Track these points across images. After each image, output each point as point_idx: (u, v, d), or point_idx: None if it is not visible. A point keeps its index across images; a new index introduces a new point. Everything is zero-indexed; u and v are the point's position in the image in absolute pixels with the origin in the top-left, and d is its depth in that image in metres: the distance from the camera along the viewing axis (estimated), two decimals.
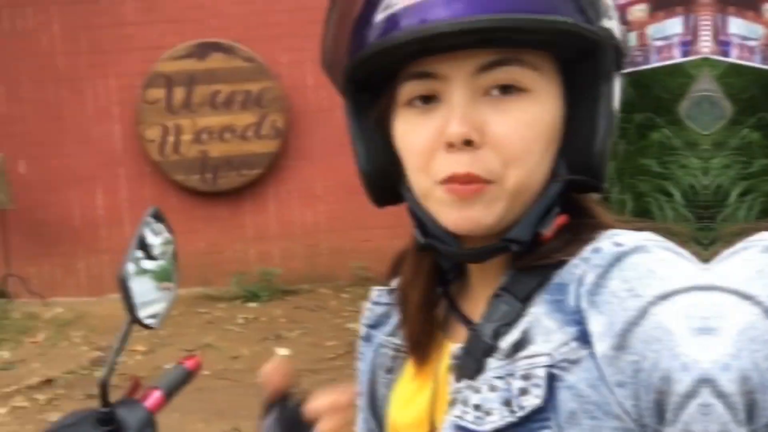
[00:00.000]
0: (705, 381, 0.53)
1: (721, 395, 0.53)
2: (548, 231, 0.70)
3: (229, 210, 6.39)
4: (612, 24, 0.70)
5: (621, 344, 0.58)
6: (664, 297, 0.58)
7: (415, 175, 0.72)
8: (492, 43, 0.66)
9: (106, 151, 6.27)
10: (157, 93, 6.14)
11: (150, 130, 6.14)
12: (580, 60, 0.69)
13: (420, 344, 0.80)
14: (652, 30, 5.01)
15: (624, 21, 5.21)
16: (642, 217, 6.14)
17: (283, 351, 5.04)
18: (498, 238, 0.70)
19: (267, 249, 6.41)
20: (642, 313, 0.58)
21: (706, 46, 4.50)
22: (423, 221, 0.73)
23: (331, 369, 4.69)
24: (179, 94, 6.15)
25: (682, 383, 0.54)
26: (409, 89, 0.70)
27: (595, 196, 0.76)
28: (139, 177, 6.31)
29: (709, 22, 4.45)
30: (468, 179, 0.67)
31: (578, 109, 0.70)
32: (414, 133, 0.70)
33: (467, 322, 0.75)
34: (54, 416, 4.20)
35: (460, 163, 0.67)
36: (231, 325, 5.61)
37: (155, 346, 4.96)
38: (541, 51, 0.68)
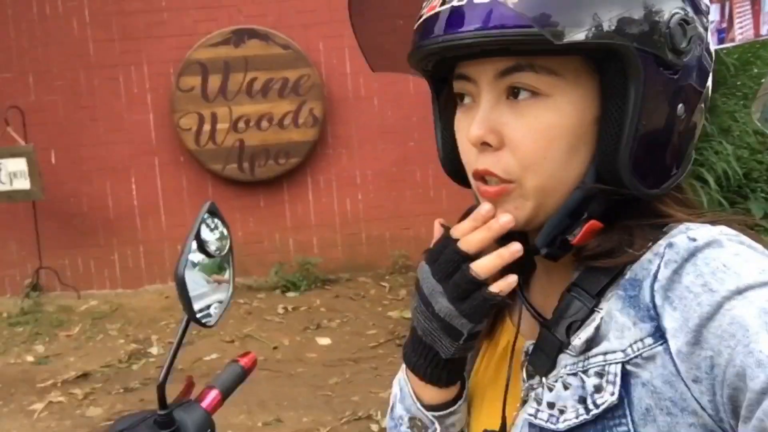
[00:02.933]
0: None
1: None
2: (576, 238, 0.70)
3: (267, 199, 6.29)
4: (641, 9, 0.66)
5: (696, 340, 0.59)
6: (739, 292, 0.58)
7: (466, 169, 0.77)
8: (510, 51, 0.67)
9: (140, 140, 6.16)
10: (192, 81, 6.01)
11: (185, 118, 6.01)
12: (610, 60, 0.67)
13: (492, 333, 0.85)
14: None
15: None
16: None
17: (324, 340, 5.00)
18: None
19: (306, 238, 6.31)
20: (716, 309, 0.58)
21: (741, 33, 4.38)
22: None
23: (373, 357, 4.71)
24: (215, 81, 6.02)
25: (757, 380, 0.54)
26: (456, 87, 0.76)
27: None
28: (175, 166, 6.20)
29: (743, 9, 4.36)
30: (486, 175, 0.71)
31: (608, 116, 0.68)
32: (460, 130, 0.76)
33: (539, 317, 0.76)
34: (92, 411, 4.15)
35: (482, 160, 0.71)
36: (271, 315, 5.55)
37: (195, 337, 4.89)
38: (562, 54, 0.67)
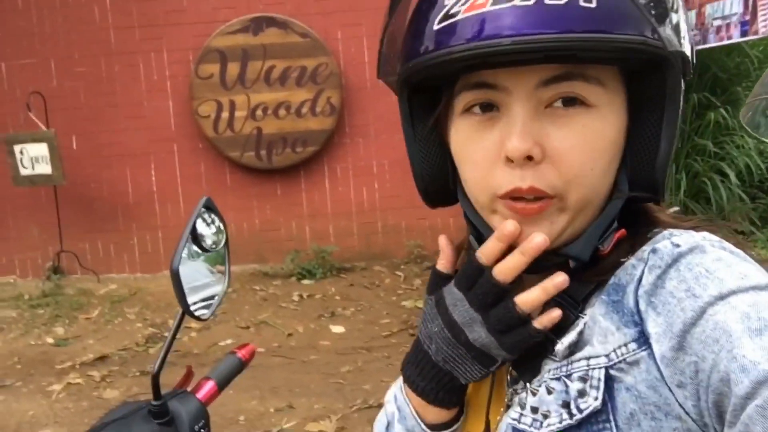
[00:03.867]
0: (764, 382, 0.53)
1: None
2: (607, 247, 0.70)
3: (284, 187, 6.32)
4: (679, 20, 0.66)
5: (680, 345, 0.59)
6: (722, 297, 0.59)
7: (474, 188, 0.71)
8: (558, 58, 0.63)
9: (159, 126, 6.21)
10: (211, 68, 6.05)
11: (204, 105, 6.05)
12: (647, 73, 0.67)
13: None
14: (710, 9, 4.90)
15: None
16: (696, 197, 6.06)
17: (337, 328, 5.02)
18: (554, 249, 0.69)
19: (322, 226, 6.34)
20: (700, 314, 0.59)
21: (764, 26, 4.32)
22: (480, 230, 0.73)
23: (385, 347, 4.72)
24: (233, 69, 6.05)
25: (741, 385, 0.54)
26: (467, 98, 0.69)
27: None
28: (193, 153, 6.25)
29: (766, 1, 4.29)
30: (532, 193, 0.66)
31: (643, 124, 0.68)
32: (473, 144, 0.69)
33: None
34: (109, 393, 4.20)
35: (522, 177, 0.65)
36: (286, 302, 5.57)
37: (210, 323, 4.94)
38: (607, 64, 0.66)
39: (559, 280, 0.67)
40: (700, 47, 5.09)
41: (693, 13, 5.05)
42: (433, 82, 0.72)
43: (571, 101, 0.66)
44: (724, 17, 4.79)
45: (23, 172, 5.76)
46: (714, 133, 6.33)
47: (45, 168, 5.71)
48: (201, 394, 0.93)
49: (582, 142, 0.66)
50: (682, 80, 0.68)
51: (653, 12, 0.64)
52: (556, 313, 0.68)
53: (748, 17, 4.48)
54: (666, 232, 0.68)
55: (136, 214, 6.29)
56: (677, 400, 0.60)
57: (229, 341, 4.82)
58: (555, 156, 0.66)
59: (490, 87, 0.67)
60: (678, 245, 0.64)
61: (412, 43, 0.69)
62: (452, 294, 0.72)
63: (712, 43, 4.94)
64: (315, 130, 6.12)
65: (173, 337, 0.87)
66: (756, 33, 4.39)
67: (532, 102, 0.66)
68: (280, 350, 4.71)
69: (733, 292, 0.59)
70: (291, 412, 3.77)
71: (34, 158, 5.70)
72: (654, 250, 0.65)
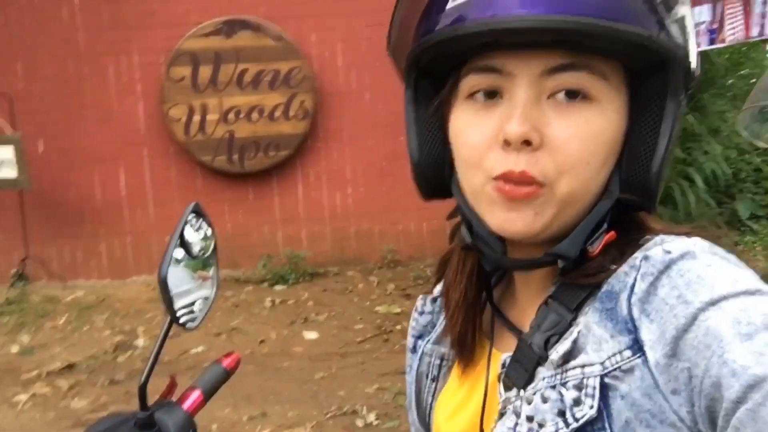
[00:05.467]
0: (754, 386, 0.53)
1: None
2: (596, 248, 0.69)
3: (256, 192, 6.29)
4: (683, 17, 0.68)
5: (673, 352, 0.59)
6: (713, 303, 0.59)
7: (468, 171, 0.71)
8: (563, 45, 0.64)
9: (129, 130, 6.13)
10: (183, 71, 5.99)
11: (175, 109, 5.99)
12: (650, 74, 0.67)
13: (464, 344, 0.81)
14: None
15: None
16: (664, 202, 6.16)
17: (311, 334, 5.01)
18: (543, 247, 0.70)
19: (295, 231, 6.32)
20: (692, 320, 0.59)
21: (731, 34, 4.40)
22: (470, 221, 0.73)
23: (359, 352, 4.74)
24: (205, 72, 6.00)
25: (731, 390, 0.54)
26: (472, 81, 0.69)
27: None
28: (164, 157, 6.19)
29: (734, 10, 4.38)
30: (522, 178, 0.66)
31: (641, 126, 0.69)
32: (472, 127, 0.70)
33: (515, 330, 0.76)
34: (76, 403, 4.15)
35: (516, 161, 0.66)
36: (258, 308, 5.55)
37: (182, 330, 4.82)
38: (612, 60, 0.67)
39: None
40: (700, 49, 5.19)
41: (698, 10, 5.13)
42: (442, 65, 0.72)
43: (574, 95, 0.66)
44: (699, 23, 4.88)
45: None
46: (683, 139, 6.43)
47: (10, 172, 5.60)
48: (187, 405, 0.90)
49: (582, 134, 0.66)
50: (684, 87, 0.69)
51: (662, 12, 0.66)
52: None
53: (716, 25, 4.56)
54: (657, 239, 0.67)
55: (104, 219, 6.20)
56: (672, 408, 0.60)
57: (200, 348, 4.77)
58: (553, 144, 0.66)
59: (496, 72, 0.68)
60: (669, 252, 0.64)
61: (426, 21, 0.70)
62: None
63: None
64: (288, 134, 6.08)
65: (161, 346, 0.85)
66: (723, 41, 4.47)
67: (536, 89, 0.67)
68: (253, 357, 4.68)
69: (724, 298, 0.59)
70: (265, 420, 3.76)
71: None
72: (646, 257, 0.65)
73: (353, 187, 6.31)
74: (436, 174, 0.77)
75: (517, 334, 0.75)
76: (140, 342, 4.99)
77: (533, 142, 0.65)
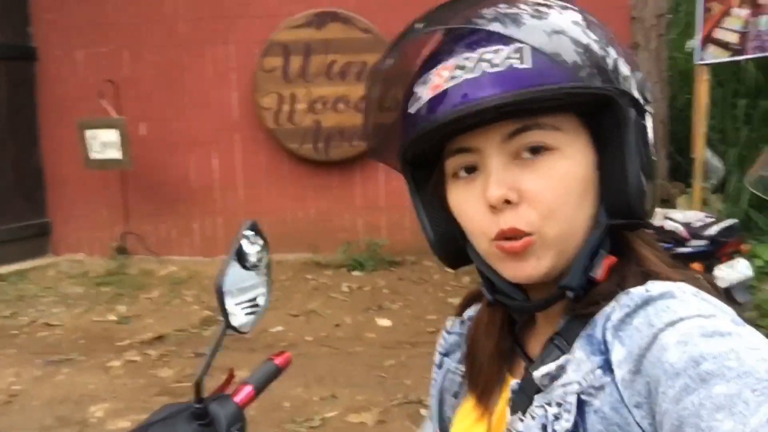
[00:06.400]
0: (672, 376, 0.61)
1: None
2: (599, 273, 0.77)
3: (340, 180, 6.42)
4: (624, 65, 0.76)
5: (636, 368, 0.66)
6: (672, 324, 0.65)
7: (475, 238, 0.80)
8: (512, 114, 0.73)
9: (223, 116, 6.39)
10: (275, 61, 6.19)
11: (266, 97, 6.21)
12: (598, 111, 0.75)
13: (485, 389, 0.88)
14: None
15: (755, 4, 4.93)
16: (760, 208, 5.89)
17: (384, 321, 5.07)
18: (557, 284, 0.77)
19: (375, 219, 6.42)
20: (653, 339, 0.65)
21: None
22: (490, 278, 0.82)
23: (429, 343, 4.55)
24: (296, 62, 6.18)
25: (660, 385, 0.62)
26: (453, 163, 0.80)
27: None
28: (254, 143, 6.41)
29: None
30: (513, 233, 0.75)
31: (608, 155, 0.76)
32: (464, 202, 0.79)
33: (528, 360, 0.84)
34: (164, 372, 4.36)
35: (504, 220, 0.75)
36: (336, 292, 5.66)
37: (236, 333, 5.02)
38: (559, 113, 0.75)
39: None
40: (764, 54, 5.01)
41: (765, 18, 4.96)
42: (427, 156, 0.83)
43: (536, 149, 0.75)
44: None
45: (94, 156, 6.03)
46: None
47: (114, 153, 5.96)
48: (239, 398, 0.97)
49: (551, 182, 0.74)
50: (636, 111, 0.76)
51: (586, 62, 0.73)
52: None
53: None
54: (647, 283, 0.74)
55: (197, 200, 6.50)
56: (635, 420, 0.65)
57: (279, 328, 4.93)
58: (530, 197, 0.74)
59: (466, 151, 0.78)
60: (649, 291, 0.71)
61: (402, 129, 0.81)
62: None
63: None
64: None
65: (215, 349, 0.92)
66: None
67: (503, 155, 0.76)
68: (328, 340, 4.79)
69: (681, 319, 0.65)
70: (334, 402, 3.84)
71: (104, 143, 5.96)
72: (627, 292, 0.72)
73: None
74: (451, 246, 0.86)
75: (528, 363, 0.83)
76: None
77: (512, 200, 0.74)
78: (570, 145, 0.76)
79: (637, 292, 0.71)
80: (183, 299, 5.63)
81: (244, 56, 6.28)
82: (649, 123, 0.79)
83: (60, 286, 5.96)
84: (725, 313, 0.68)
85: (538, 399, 0.76)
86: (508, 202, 0.74)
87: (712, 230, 3.55)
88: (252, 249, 0.97)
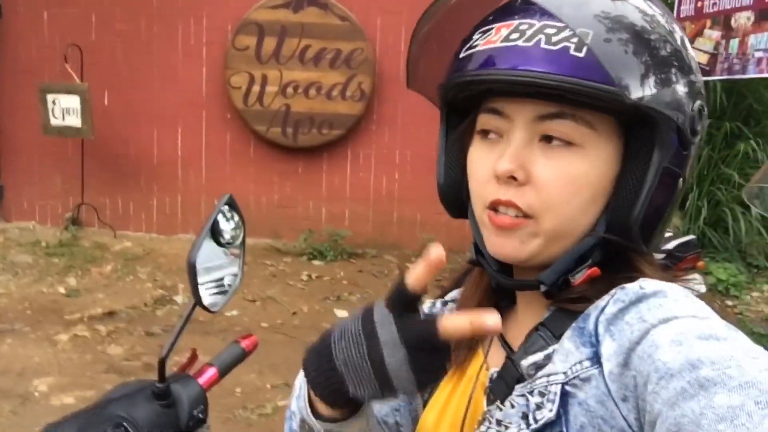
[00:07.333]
0: (666, 377, 0.60)
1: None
2: (578, 280, 0.77)
3: (306, 167, 6.37)
4: (683, 90, 0.74)
5: (625, 362, 0.65)
6: (665, 321, 0.65)
7: (474, 199, 0.81)
8: (554, 97, 0.72)
9: (190, 91, 6.26)
10: (248, 40, 6.08)
11: (236, 76, 6.10)
12: (640, 126, 0.74)
13: (461, 348, 0.88)
14: (753, 40, 4.86)
15: (727, 26, 5.01)
16: (715, 225, 6.03)
17: (341, 312, 5.07)
18: (539, 272, 0.78)
19: (338, 210, 6.39)
20: (644, 334, 0.65)
21: None
22: (476, 240, 0.82)
23: None
24: (269, 44, 6.09)
25: (652, 383, 0.61)
26: (482, 120, 0.79)
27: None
28: (221, 122, 6.30)
29: None
30: (509, 205, 0.75)
31: (629, 173, 0.75)
32: (479, 162, 0.79)
33: (508, 349, 0.83)
34: (113, 349, 4.29)
35: (504, 192, 0.75)
36: (294, 280, 5.64)
37: (205, 311, 4.96)
38: (600, 112, 0.73)
39: (489, 322, 0.64)
40: (738, 77, 5.09)
41: (736, 42, 5.04)
42: (466, 104, 0.83)
43: (561, 140, 0.74)
44: (766, 49, 4.78)
45: (53, 122, 5.84)
46: (741, 163, 6.29)
47: (75, 120, 5.78)
48: (202, 380, 0.95)
49: (563, 176, 0.74)
50: (678, 148, 0.74)
51: (642, 72, 0.71)
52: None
53: None
54: (640, 280, 0.73)
55: (158, 176, 6.37)
56: (621, 414, 0.65)
57: (234, 312, 4.89)
58: (537, 182, 0.74)
59: (499, 114, 0.77)
60: (643, 288, 0.71)
61: (450, 68, 0.81)
62: (382, 312, 0.70)
63: (752, 74, 4.92)
64: (343, 114, 6.15)
65: (183, 326, 0.89)
66: None
67: (528, 132, 0.75)
68: (283, 327, 4.78)
69: (675, 317, 0.65)
70: (286, 390, 3.81)
71: (65, 110, 5.78)
72: (622, 288, 0.72)
73: (400, 173, 6.35)
74: (456, 197, 0.87)
75: (509, 352, 0.83)
76: (179, 299, 5.12)
77: (518, 178, 0.74)
78: (596, 147, 0.74)
79: (632, 289, 0.71)
80: (136, 276, 5.53)
81: (217, 32, 6.16)
82: (691, 155, 0.77)
83: (8, 254, 5.78)
84: (718, 316, 0.67)
85: (518, 388, 0.76)
86: (513, 178, 0.74)
87: (670, 245, 3.58)
88: (227, 225, 0.95)
